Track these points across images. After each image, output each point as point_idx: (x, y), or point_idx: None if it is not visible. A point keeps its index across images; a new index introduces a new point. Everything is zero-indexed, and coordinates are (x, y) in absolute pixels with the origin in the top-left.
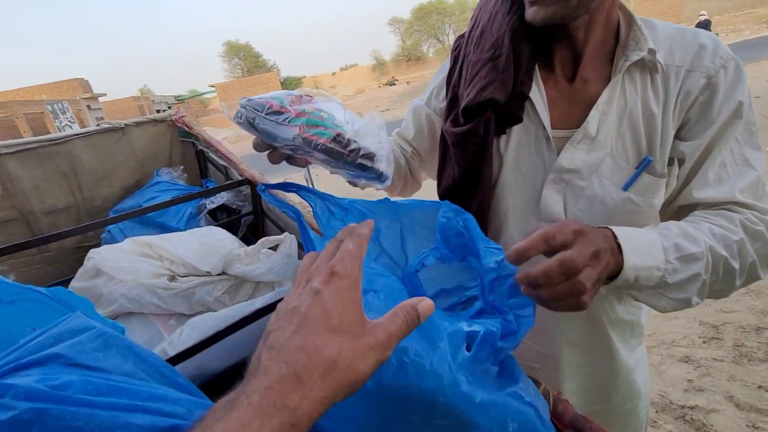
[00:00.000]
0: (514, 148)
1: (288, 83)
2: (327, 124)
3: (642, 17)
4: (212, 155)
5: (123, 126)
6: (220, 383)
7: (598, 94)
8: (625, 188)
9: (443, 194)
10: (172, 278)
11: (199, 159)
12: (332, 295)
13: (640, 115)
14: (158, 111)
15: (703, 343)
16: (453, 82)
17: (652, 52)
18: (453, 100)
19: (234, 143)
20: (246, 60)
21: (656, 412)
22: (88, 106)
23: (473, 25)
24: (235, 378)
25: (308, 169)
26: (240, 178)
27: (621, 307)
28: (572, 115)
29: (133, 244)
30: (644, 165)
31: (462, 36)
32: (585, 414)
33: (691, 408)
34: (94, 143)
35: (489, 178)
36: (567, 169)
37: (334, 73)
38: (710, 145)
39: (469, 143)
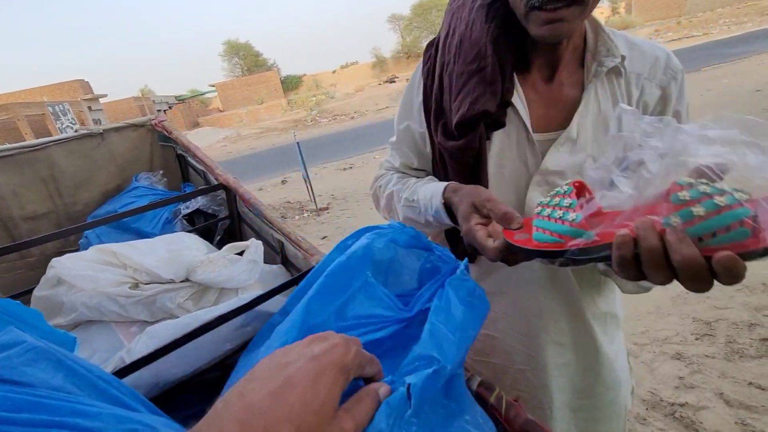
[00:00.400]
0: (497, 153)
1: (288, 82)
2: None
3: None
4: (191, 160)
5: (101, 132)
6: (181, 391)
7: (573, 97)
8: None
9: None
10: (135, 286)
11: (180, 163)
12: (326, 365)
13: (611, 119)
14: (159, 111)
15: (696, 339)
16: (434, 94)
17: (623, 58)
18: (438, 112)
19: (234, 143)
20: (246, 59)
21: (646, 409)
22: (89, 107)
23: (447, 33)
24: (197, 386)
25: (305, 169)
26: (216, 183)
27: (600, 299)
28: (550, 117)
29: (98, 252)
30: None
31: (431, 44)
32: (574, 408)
33: (681, 405)
34: (73, 149)
35: (487, 185)
36: (552, 171)
37: (334, 71)
38: None
39: (466, 156)
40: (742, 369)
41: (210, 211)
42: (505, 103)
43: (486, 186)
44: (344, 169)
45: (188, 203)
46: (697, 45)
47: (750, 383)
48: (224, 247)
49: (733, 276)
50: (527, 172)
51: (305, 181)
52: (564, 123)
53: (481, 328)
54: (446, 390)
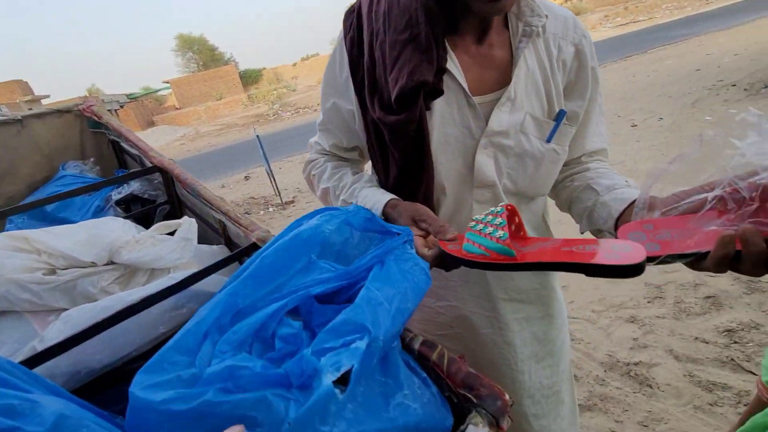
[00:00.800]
0: (439, 122)
1: (247, 76)
2: None
3: None
4: (125, 145)
5: (20, 118)
6: (117, 381)
7: (502, 58)
8: (549, 140)
9: (394, 185)
10: (51, 272)
11: (115, 150)
12: None
13: (539, 77)
14: (109, 111)
15: (648, 302)
16: (366, 68)
17: (546, 17)
18: (372, 86)
19: (192, 141)
20: (201, 53)
21: (604, 371)
22: (30, 110)
23: (372, 0)
24: (126, 374)
25: (268, 164)
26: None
27: None
28: (485, 79)
29: (6, 238)
30: (561, 117)
31: (351, 11)
32: (539, 358)
33: (636, 364)
34: None
35: (431, 158)
36: (496, 132)
37: (294, 64)
38: (589, 104)
39: (408, 129)
40: (689, 326)
41: (146, 196)
42: (441, 70)
43: (430, 156)
44: None
45: (120, 188)
46: (643, 29)
47: (696, 338)
48: (153, 227)
49: None
50: (472, 136)
51: (269, 175)
52: (498, 84)
53: (442, 300)
54: (382, 367)
